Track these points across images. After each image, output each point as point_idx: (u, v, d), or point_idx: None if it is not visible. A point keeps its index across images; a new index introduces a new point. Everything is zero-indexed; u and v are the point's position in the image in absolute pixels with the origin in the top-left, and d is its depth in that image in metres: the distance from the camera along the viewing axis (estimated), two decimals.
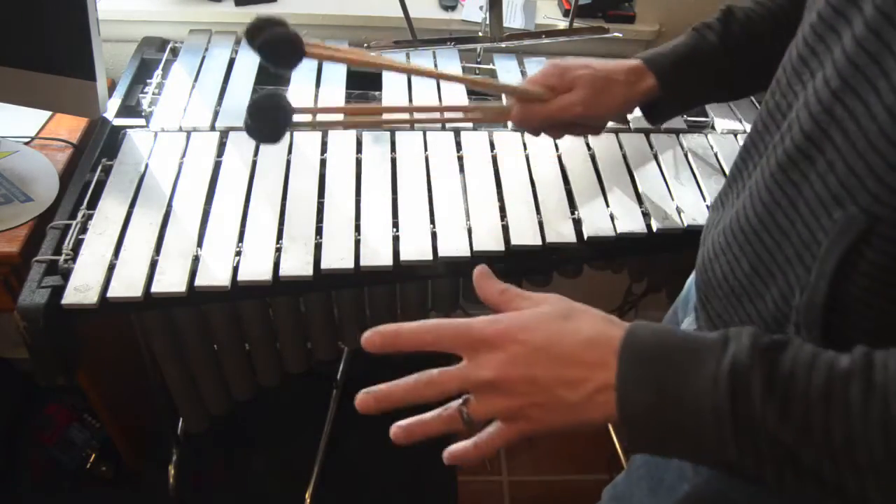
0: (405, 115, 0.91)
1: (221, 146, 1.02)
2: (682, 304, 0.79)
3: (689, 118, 1.17)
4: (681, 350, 0.43)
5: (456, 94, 1.15)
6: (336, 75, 1.16)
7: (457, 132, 1.08)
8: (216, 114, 1.07)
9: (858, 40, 0.44)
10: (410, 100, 1.13)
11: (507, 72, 1.22)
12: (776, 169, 0.51)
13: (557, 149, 1.08)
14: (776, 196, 0.51)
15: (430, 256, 0.91)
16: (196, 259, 0.87)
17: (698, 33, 0.75)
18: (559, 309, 0.48)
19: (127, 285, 0.83)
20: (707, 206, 1.01)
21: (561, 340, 0.45)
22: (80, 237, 0.88)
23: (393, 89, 1.14)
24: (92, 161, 0.98)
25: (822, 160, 0.47)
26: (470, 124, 1.10)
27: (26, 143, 1.10)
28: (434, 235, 0.93)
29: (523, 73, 1.23)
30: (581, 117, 0.74)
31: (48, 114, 1.16)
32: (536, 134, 0.79)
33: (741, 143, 1.11)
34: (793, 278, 0.50)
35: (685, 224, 0.98)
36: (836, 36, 0.47)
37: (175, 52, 1.19)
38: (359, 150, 1.03)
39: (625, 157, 1.08)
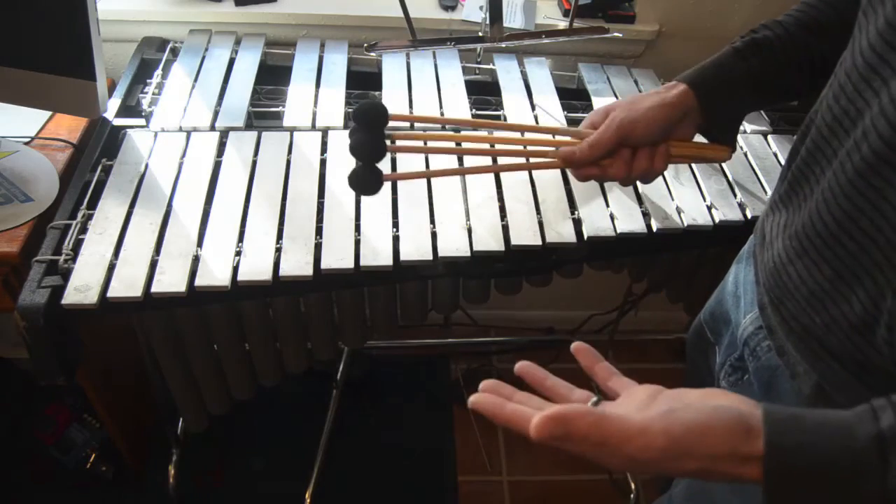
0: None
1: (221, 146, 1.02)
2: (730, 297, 0.79)
3: None
4: (837, 465, 0.43)
5: (457, 96, 1.15)
6: (336, 76, 1.16)
7: (456, 132, 1.08)
8: (216, 114, 1.07)
9: None
10: (410, 100, 1.13)
11: (508, 72, 1.22)
12: (854, 176, 0.52)
13: (557, 148, 1.08)
14: (857, 202, 0.52)
15: (430, 256, 0.91)
16: (196, 259, 0.87)
17: (727, 47, 0.76)
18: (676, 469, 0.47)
19: (127, 285, 0.83)
20: (707, 207, 1.01)
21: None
22: (80, 237, 0.88)
23: (393, 89, 1.14)
24: (92, 161, 0.98)
25: None
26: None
27: (26, 143, 1.10)
28: (434, 235, 0.93)
29: (523, 73, 1.23)
30: (627, 129, 0.72)
31: (48, 114, 1.16)
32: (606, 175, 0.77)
33: (742, 143, 1.12)
34: (882, 281, 0.51)
35: (685, 224, 0.98)
36: None
37: (175, 52, 1.19)
38: None
39: None
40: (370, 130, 0.68)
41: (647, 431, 0.45)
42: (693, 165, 1.07)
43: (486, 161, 0.85)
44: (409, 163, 1.02)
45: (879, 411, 0.44)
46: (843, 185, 0.53)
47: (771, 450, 0.43)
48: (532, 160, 0.78)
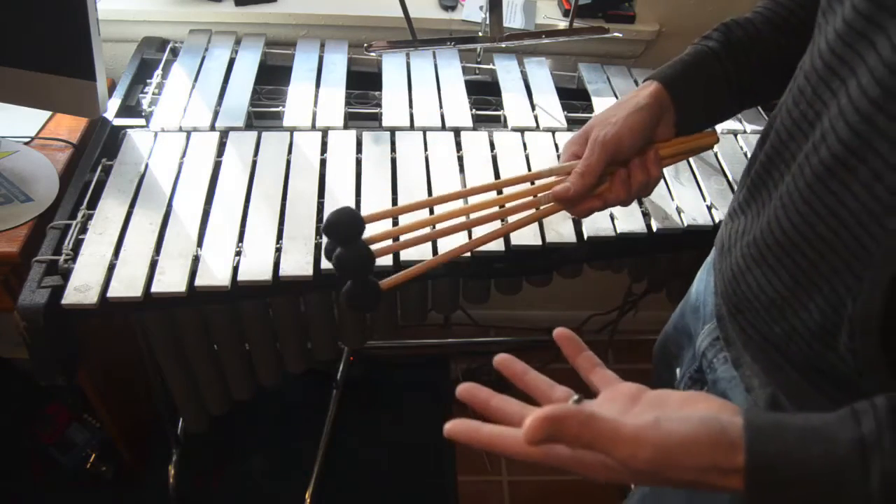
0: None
1: (221, 146, 1.02)
2: (690, 309, 0.78)
3: None
4: (819, 473, 0.42)
5: (457, 96, 1.15)
6: (336, 76, 1.16)
7: (457, 132, 1.08)
8: (216, 114, 1.07)
9: None
10: (410, 100, 1.13)
11: (508, 72, 1.22)
12: (812, 179, 0.51)
13: (557, 149, 1.08)
14: (815, 206, 0.51)
15: (429, 256, 0.91)
16: (196, 259, 0.87)
17: (698, 43, 0.73)
18: (660, 482, 0.45)
19: (127, 285, 0.83)
20: (707, 207, 1.01)
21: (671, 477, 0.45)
22: (80, 237, 0.88)
23: (393, 89, 1.14)
24: (92, 161, 0.98)
25: (865, 169, 0.46)
26: (470, 123, 1.10)
27: (26, 143, 1.10)
28: (435, 242, 0.92)
29: (523, 73, 1.23)
30: (612, 144, 0.68)
31: (48, 114, 1.16)
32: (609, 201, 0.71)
33: (742, 143, 1.12)
34: (842, 288, 0.50)
35: (685, 224, 0.98)
36: (868, 43, 0.46)
37: (175, 52, 1.19)
38: (359, 150, 1.03)
39: None
40: (348, 244, 0.60)
41: (638, 440, 0.44)
42: (693, 165, 1.07)
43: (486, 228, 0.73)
44: (410, 161, 1.02)
45: (861, 415, 0.43)
46: (802, 190, 0.52)
47: (752, 461, 0.43)
48: (525, 214, 0.71)
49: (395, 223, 0.86)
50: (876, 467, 0.40)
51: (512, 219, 0.71)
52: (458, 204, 0.72)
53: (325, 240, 0.63)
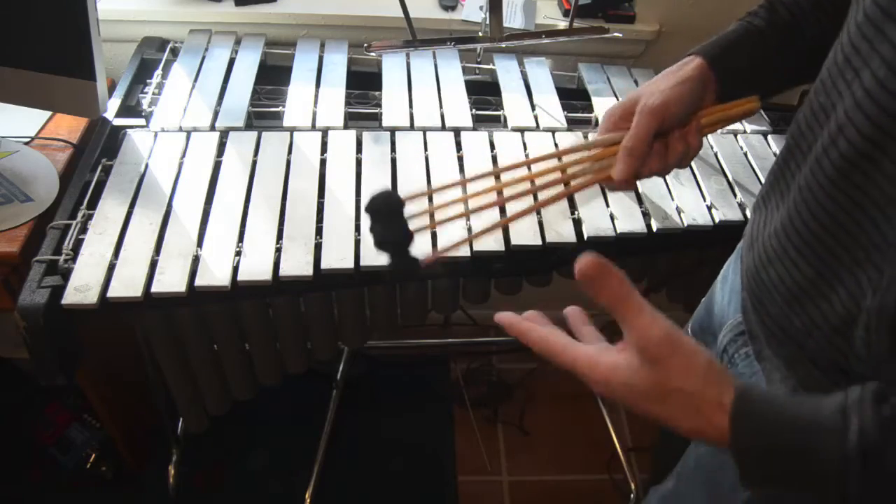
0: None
1: (221, 146, 1.02)
2: (716, 308, 0.77)
3: None
4: (799, 425, 0.45)
5: (457, 96, 1.15)
6: (336, 76, 1.16)
7: (457, 132, 1.08)
8: (216, 114, 1.07)
9: None
10: (411, 102, 1.13)
11: (508, 72, 1.22)
12: (832, 171, 0.51)
13: (557, 148, 1.08)
14: (837, 198, 0.51)
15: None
16: (196, 259, 0.87)
17: (743, 20, 0.72)
18: (653, 390, 0.48)
19: (127, 285, 0.83)
20: (707, 207, 1.01)
21: (659, 418, 0.49)
22: (80, 237, 0.88)
23: (393, 89, 1.14)
24: (92, 161, 0.98)
25: (888, 161, 0.47)
26: (470, 123, 1.10)
27: (26, 143, 1.10)
28: (434, 235, 0.93)
29: (523, 73, 1.23)
30: (660, 113, 0.67)
31: (48, 114, 1.16)
32: (661, 169, 0.72)
33: (742, 143, 1.12)
34: (864, 280, 0.50)
35: (685, 224, 0.98)
36: (882, 37, 0.47)
37: (175, 52, 1.19)
38: (359, 150, 1.03)
39: None
40: (389, 222, 0.66)
41: (655, 320, 0.49)
42: (693, 165, 1.07)
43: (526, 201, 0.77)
44: (410, 161, 1.02)
45: (850, 391, 0.45)
46: (822, 182, 0.52)
47: (738, 400, 0.46)
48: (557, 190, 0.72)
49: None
50: (854, 426, 0.42)
51: (544, 195, 0.73)
52: (489, 181, 0.75)
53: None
